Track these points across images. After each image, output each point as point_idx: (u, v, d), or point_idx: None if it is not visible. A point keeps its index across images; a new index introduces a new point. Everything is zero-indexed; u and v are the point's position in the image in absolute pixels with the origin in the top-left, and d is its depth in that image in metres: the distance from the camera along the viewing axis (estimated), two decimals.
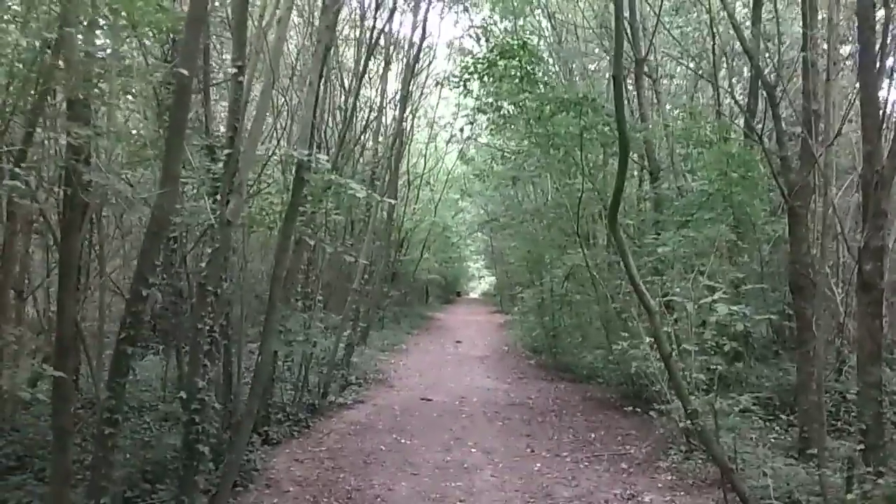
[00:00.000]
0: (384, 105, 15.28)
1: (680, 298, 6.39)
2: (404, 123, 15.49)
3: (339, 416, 9.58)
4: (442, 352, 17.49)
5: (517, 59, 10.59)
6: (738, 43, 10.07)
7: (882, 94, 7.07)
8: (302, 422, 8.81)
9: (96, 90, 5.11)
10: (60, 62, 4.46)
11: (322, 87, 9.31)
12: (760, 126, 9.49)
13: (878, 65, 6.25)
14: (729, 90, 10.84)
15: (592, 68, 15.94)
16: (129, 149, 6.34)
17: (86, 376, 7.15)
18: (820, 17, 7.86)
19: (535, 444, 8.40)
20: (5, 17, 4.75)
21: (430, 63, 18.37)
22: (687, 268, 8.67)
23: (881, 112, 6.41)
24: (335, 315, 11.00)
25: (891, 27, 6.80)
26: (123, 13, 4.95)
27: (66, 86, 4.53)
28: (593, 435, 8.93)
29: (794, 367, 9.06)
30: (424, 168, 22.88)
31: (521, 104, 11.08)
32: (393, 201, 14.57)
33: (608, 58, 13.83)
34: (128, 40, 6.14)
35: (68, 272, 4.93)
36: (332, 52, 10.38)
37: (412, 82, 15.05)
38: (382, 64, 14.48)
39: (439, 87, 18.52)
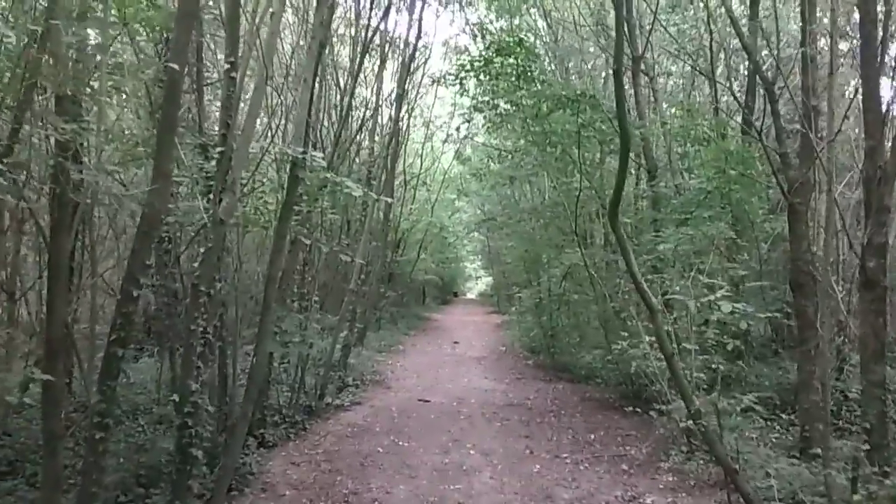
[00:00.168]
0: (380, 104, 15.19)
1: (681, 297, 6.32)
2: (400, 122, 15.42)
3: (335, 418, 9.49)
4: (439, 352, 17.39)
5: (514, 56, 10.50)
6: (735, 39, 10.02)
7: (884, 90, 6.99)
8: (298, 424, 8.72)
9: (88, 88, 5.01)
10: (47, 56, 4.35)
11: (317, 86, 9.21)
12: (759, 123, 9.42)
13: (879, 59, 6.20)
14: (727, 86, 10.77)
15: (589, 66, 15.88)
16: (120, 148, 6.23)
17: (79, 379, 7.05)
18: (820, 12, 7.80)
19: (535, 446, 8.33)
20: None
21: (426, 61, 18.31)
22: (686, 266, 8.61)
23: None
24: (331, 316, 10.91)
25: (891, 21, 6.76)
26: (114, 7, 4.84)
27: (53, 81, 4.42)
28: (593, 436, 8.86)
29: (793, 365, 9.03)
30: (421, 168, 22.79)
31: (517, 102, 10.99)
32: (390, 200, 14.51)
33: (604, 56, 13.80)
34: (119, 38, 6.04)
35: (58, 273, 4.83)
36: (327, 50, 10.27)
37: (408, 81, 14.96)
38: (378, 62, 14.39)
39: (435, 85, 18.44)
